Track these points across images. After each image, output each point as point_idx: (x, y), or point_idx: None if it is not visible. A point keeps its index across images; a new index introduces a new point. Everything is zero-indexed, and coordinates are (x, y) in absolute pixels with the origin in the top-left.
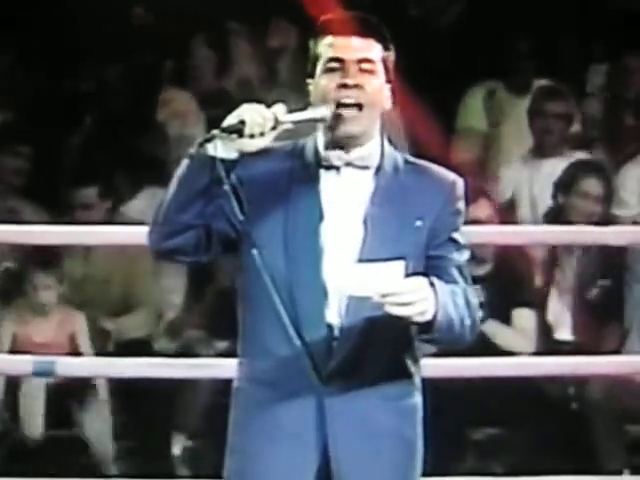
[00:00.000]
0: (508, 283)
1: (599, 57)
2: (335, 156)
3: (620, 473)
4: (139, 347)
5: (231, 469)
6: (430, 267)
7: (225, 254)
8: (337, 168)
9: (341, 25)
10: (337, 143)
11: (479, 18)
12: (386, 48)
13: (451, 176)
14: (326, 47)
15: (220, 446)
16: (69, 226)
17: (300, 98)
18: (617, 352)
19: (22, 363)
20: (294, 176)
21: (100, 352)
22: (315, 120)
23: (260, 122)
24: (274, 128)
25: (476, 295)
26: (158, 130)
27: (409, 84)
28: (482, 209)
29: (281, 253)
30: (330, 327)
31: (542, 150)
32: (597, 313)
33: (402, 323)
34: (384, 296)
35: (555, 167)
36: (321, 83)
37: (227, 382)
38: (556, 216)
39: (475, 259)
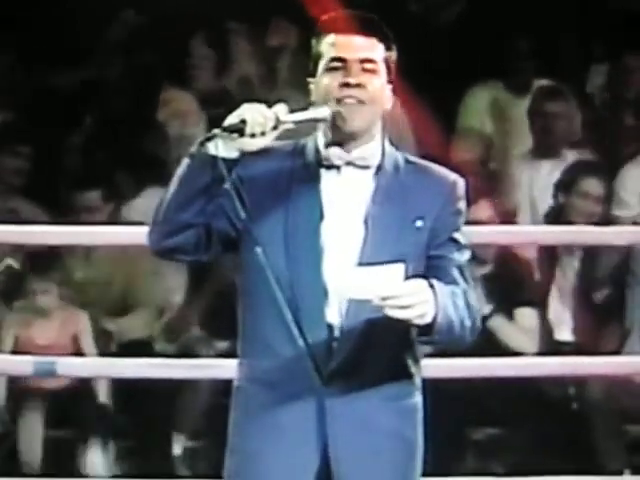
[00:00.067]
0: (509, 283)
1: (599, 57)
2: (336, 155)
3: (620, 473)
4: (140, 348)
5: (231, 469)
6: (431, 267)
7: (225, 253)
8: (338, 167)
9: (343, 24)
10: (338, 141)
11: (479, 18)
12: (388, 48)
13: (452, 176)
14: (328, 46)
15: (220, 446)
16: (70, 226)
17: (301, 97)
18: (617, 352)
19: (23, 363)
20: (295, 175)
21: (102, 353)
22: (316, 120)
23: (261, 122)
24: (275, 128)
25: (476, 296)
26: (158, 130)
27: (409, 84)
28: (483, 210)
29: (282, 253)
30: (330, 327)
31: (542, 150)
32: (597, 314)
33: (402, 325)
34: (384, 299)
35: (555, 167)
36: (323, 82)
37: (227, 382)
38: (556, 216)
39: (476, 259)
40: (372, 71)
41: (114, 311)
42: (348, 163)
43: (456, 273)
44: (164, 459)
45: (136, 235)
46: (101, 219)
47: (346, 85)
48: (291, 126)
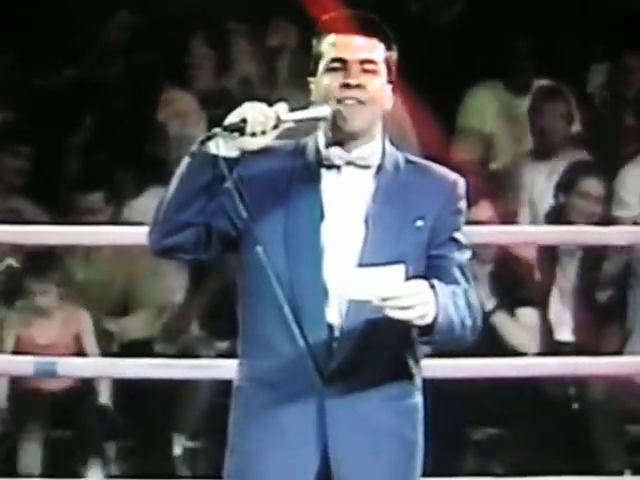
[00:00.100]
0: (510, 283)
1: (599, 57)
2: (336, 155)
3: (621, 473)
4: (141, 348)
5: (231, 469)
6: (431, 267)
7: (225, 253)
8: (338, 167)
9: (344, 24)
10: (339, 141)
11: (479, 18)
12: (389, 48)
13: (452, 175)
14: (329, 46)
15: (220, 446)
16: (70, 226)
17: (301, 97)
18: (618, 353)
19: (23, 364)
20: (295, 175)
21: (103, 353)
22: (317, 119)
23: (262, 120)
24: (276, 127)
25: (478, 294)
26: (159, 130)
27: (409, 84)
28: (483, 210)
29: (282, 252)
30: (331, 327)
31: (542, 150)
32: (598, 314)
33: (403, 326)
34: (384, 300)
35: (555, 167)
36: (323, 82)
37: (227, 383)
38: (557, 216)
39: (477, 259)
40: (372, 72)
41: (115, 311)
42: (348, 163)
43: (457, 272)
44: (164, 459)
45: (136, 235)
46: (103, 219)
47: (346, 86)
48: (292, 125)
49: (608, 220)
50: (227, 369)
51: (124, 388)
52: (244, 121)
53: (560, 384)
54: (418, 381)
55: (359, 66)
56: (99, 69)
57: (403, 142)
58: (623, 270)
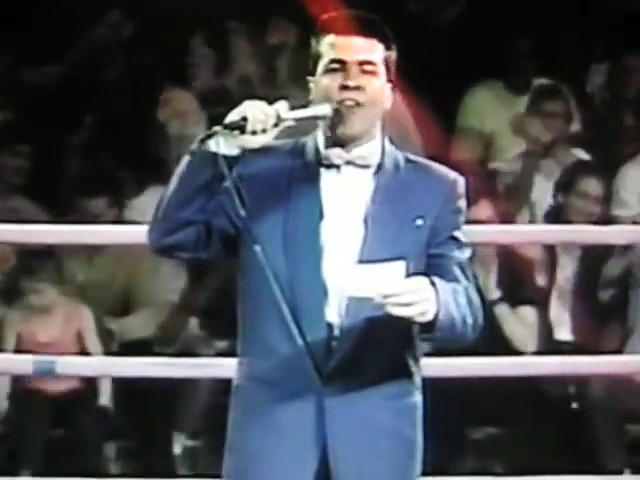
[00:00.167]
0: (509, 282)
1: (599, 57)
2: (335, 155)
3: (621, 473)
4: (141, 347)
5: (230, 468)
6: (431, 265)
7: (225, 251)
8: (337, 167)
9: (343, 24)
10: (338, 142)
11: (479, 18)
12: (388, 48)
13: (452, 174)
14: (328, 47)
15: (220, 445)
16: (70, 226)
17: (301, 96)
18: (618, 352)
19: (22, 363)
20: (294, 174)
21: (104, 352)
22: (317, 118)
23: (262, 119)
24: (276, 125)
25: (480, 292)
26: (159, 130)
27: (409, 84)
28: (483, 210)
29: (281, 252)
30: (330, 326)
31: (541, 150)
32: (598, 313)
33: (403, 323)
34: (385, 297)
35: (554, 167)
36: (322, 83)
37: (227, 381)
38: (556, 216)
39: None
40: (371, 72)
41: (115, 311)
42: (348, 162)
43: (457, 271)
44: (164, 458)
45: (137, 234)
46: (105, 221)
47: (345, 87)
48: (292, 123)
49: (607, 219)
50: (227, 368)
51: (124, 387)
52: (245, 119)
53: (560, 383)
54: (417, 380)
55: (358, 67)
56: (99, 69)
57: (406, 142)
58: (623, 270)
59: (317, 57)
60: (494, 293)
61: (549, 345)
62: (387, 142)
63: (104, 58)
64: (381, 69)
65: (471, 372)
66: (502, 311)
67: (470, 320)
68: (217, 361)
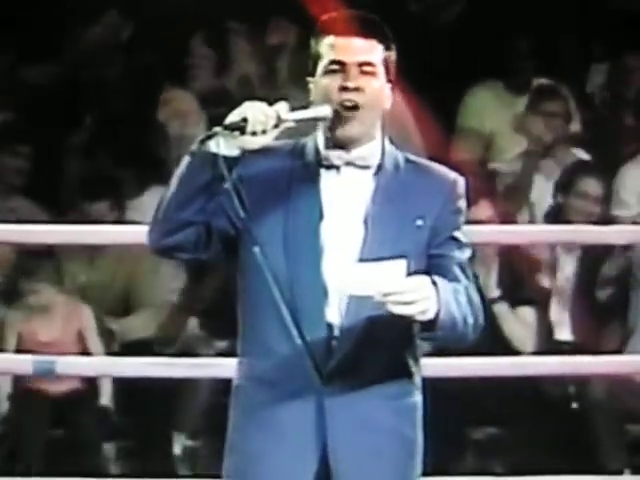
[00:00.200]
0: (509, 282)
1: (599, 57)
2: (335, 155)
3: (621, 473)
4: (142, 348)
5: (230, 469)
6: (432, 266)
7: (225, 252)
8: (337, 167)
9: (342, 25)
10: (337, 144)
11: (479, 18)
12: (388, 48)
13: (452, 175)
14: (327, 48)
15: (220, 445)
16: (70, 226)
17: (301, 96)
18: (618, 352)
19: (22, 363)
20: (294, 175)
21: (104, 352)
22: (317, 119)
23: (262, 120)
24: (276, 126)
25: (481, 291)
26: (159, 130)
27: (409, 84)
28: (483, 210)
29: (281, 252)
30: (330, 326)
31: (540, 150)
32: (598, 313)
33: (404, 322)
34: (386, 295)
35: (554, 167)
36: (322, 84)
37: (227, 381)
38: (556, 216)
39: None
40: (371, 74)
41: (116, 311)
42: (348, 163)
43: (457, 271)
44: (164, 458)
45: (137, 234)
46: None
47: (344, 89)
48: (292, 124)
49: (607, 219)
50: (227, 368)
51: (124, 387)
52: (245, 120)
53: (560, 383)
54: (418, 380)
55: (357, 68)
56: (99, 69)
57: (407, 142)
58: (624, 270)
59: (317, 58)
60: (494, 292)
61: (549, 345)
62: (387, 142)
63: (104, 58)
64: (380, 70)
65: (471, 372)
66: (501, 310)
67: (471, 320)
68: (217, 361)
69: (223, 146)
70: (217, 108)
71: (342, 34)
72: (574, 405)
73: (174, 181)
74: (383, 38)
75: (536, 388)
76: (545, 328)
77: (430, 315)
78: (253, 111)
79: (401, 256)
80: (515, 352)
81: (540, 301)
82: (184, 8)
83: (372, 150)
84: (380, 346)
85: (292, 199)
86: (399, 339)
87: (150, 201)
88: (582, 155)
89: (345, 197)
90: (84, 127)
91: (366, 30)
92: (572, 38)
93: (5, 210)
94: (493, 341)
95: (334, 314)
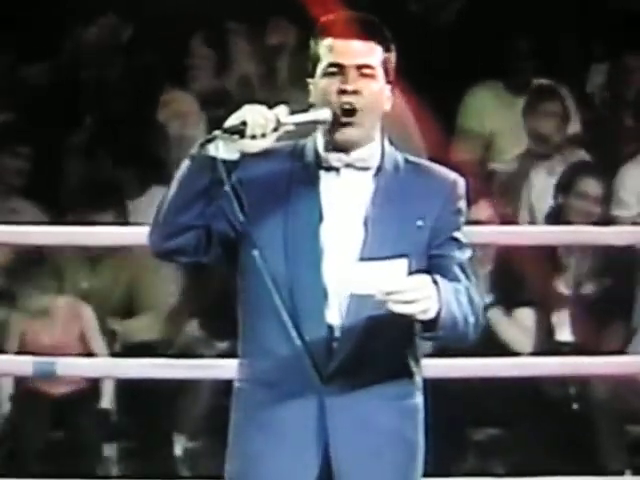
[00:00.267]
0: (509, 283)
1: (599, 57)
2: (335, 157)
3: (622, 474)
4: (142, 349)
5: (232, 470)
6: (432, 266)
7: (225, 255)
8: (337, 169)
9: (342, 27)
10: (337, 147)
11: (479, 18)
12: (387, 49)
13: (452, 175)
14: (326, 50)
15: (221, 447)
16: (70, 227)
17: (301, 96)
18: (620, 352)
19: (22, 364)
20: (294, 177)
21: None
22: (317, 122)
23: (262, 123)
24: (276, 129)
25: (479, 293)
26: (159, 130)
27: (409, 84)
28: (483, 210)
29: (281, 254)
30: (331, 328)
31: (539, 150)
32: (599, 314)
33: (405, 321)
34: (387, 294)
35: (554, 167)
36: (321, 86)
37: (228, 383)
38: (556, 217)
39: (476, 258)
40: (370, 76)
41: (119, 313)
42: (347, 165)
43: (458, 271)
44: (165, 460)
45: (137, 235)
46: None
47: (343, 92)
48: (292, 128)
49: (607, 220)
50: (228, 369)
51: (125, 388)
52: (244, 124)
53: (560, 384)
54: (418, 380)
55: (356, 71)
56: (99, 69)
57: (407, 143)
58: (625, 269)
59: (316, 59)
60: (486, 298)
61: (550, 346)
62: (387, 143)
63: (104, 58)
64: (379, 72)
65: (472, 373)
66: (495, 316)
67: (472, 319)
68: (218, 362)
69: (222, 150)
70: (217, 108)
71: (341, 36)
72: (575, 406)
73: (174, 184)
74: (382, 39)
75: (537, 389)
76: (546, 329)
77: (431, 314)
78: (252, 114)
79: (402, 256)
80: (516, 353)
81: (540, 302)
82: (184, 8)
83: (372, 151)
84: (381, 347)
85: (292, 201)
86: (400, 340)
87: (150, 202)
88: (582, 155)
89: (345, 199)
90: (84, 127)
91: (365, 32)
92: (572, 38)
93: (5, 210)
94: (494, 341)
95: (334, 315)
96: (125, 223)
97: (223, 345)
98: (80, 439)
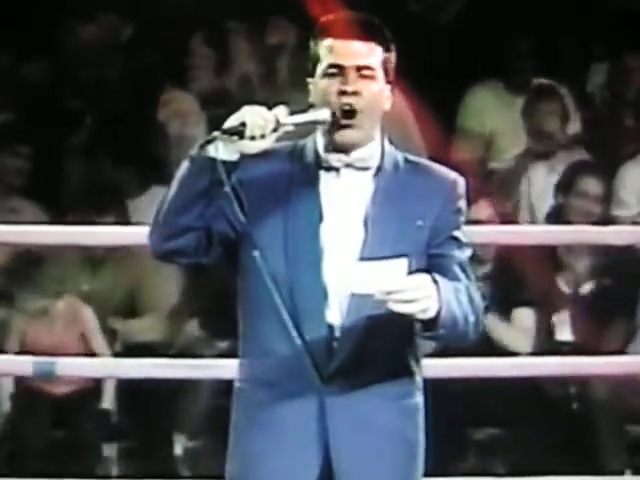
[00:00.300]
0: (508, 283)
1: (599, 57)
2: (335, 158)
3: (621, 473)
4: (142, 349)
5: (233, 470)
6: (432, 265)
7: (226, 255)
8: (337, 169)
9: (341, 27)
10: (337, 149)
11: (479, 18)
12: (387, 49)
13: (452, 175)
14: (326, 51)
15: (221, 446)
16: (70, 226)
17: (301, 96)
18: (621, 352)
19: (22, 364)
20: (294, 177)
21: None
22: (316, 122)
23: (261, 124)
24: (275, 130)
25: (479, 292)
26: (159, 130)
27: (409, 84)
28: (482, 209)
29: (281, 255)
30: (331, 328)
31: (539, 149)
32: (598, 314)
33: (405, 321)
34: (387, 293)
35: (553, 166)
36: (321, 87)
37: (228, 382)
38: (556, 216)
39: (476, 258)
40: (369, 77)
41: (121, 313)
42: (347, 165)
43: (457, 270)
44: (165, 459)
45: (137, 235)
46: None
47: (343, 93)
48: (291, 128)
49: (607, 220)
50: (228, 369)
51: (125, 388)
52: (243, 125)
53: (561, 384)
54: (419, 380)
55: (356, 73)
56: (99, 69)
57: (407, 142)
58: (625, 269)
59: (316, 60)
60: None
61: (550, 346)
62: (386, 143)
63: (104, 58)
64: (379, 73)
65: (472, 373)
66: (491, 321)
67: (472, 318)
68: (218, 362)
69: (222, 151)
70: (217, 108)
71: (341, 37)
72: (575, 406)
73: (174, 186)
74: (382, 40)
75: (537, 389)
76: (546, 329)
77: (431, 313)
78: (252, 115)
79: (401, 255)
80: (516, 353)
81: (540, 302)
82: (184, 8)
83: (372, 151)
84: (381, 346)
85: (292, 201)
86: (400, 339)
87: (150, 201)
88: (582, 155)
89: (345, 199)
90: (84, 127)
91: (365, 32)
92: (572, 38)
93: (5, 210)
94: (494, 342)
95: (335, 315)
96: (126, 223)
97: (223, 345)
98: (80, 439)
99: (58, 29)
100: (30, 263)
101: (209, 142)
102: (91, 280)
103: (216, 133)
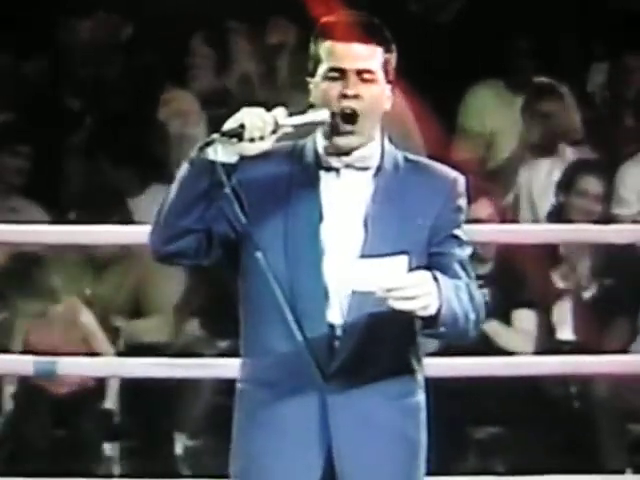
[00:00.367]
0: (509, 283)
1: (599, 56)
2: (335, 158)
3: (622, 472)
4: (144, 348)
5: (236, 470)
6: (432, 263)
7: (226, 256)
8: (337, 169)
9: (342, 29)
10: (337, 152)
11: (479, 17)
12: (388, 50)
13: (452, 173)
14: (327, 53)
15: (222, 445)
16: (70, 226)
17: (301, 95)
18: (621, 351)
19: (23, 363)
20: (294, 178)
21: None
22: (315, 123)
23: (260, 126)
24: (274, 132)
25: (479, 290)
26: (159, 129)
27: (409, 84)
28: (483, 208)
29: (282, 255)
30: (332, 327)
31: (539, 148)
32: (599, 312)
33: (406, 319)
34: (388, 290)
35: (554, 166)
36: (321, 89)
37: (229, 382)
38: (557, 215)
39: (476, 258)
40: (370, 80)
41: (125, 313)
42: (347, 165)
43: (458, 268)
44: (166, 458)
45: (137, 235)
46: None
47: (344, 96)
48: (290, 130)
49: (608, 218)
50: (229, 368)
51: (126, 387)
52: (242, 127)
53: (561, 383)
54: (420, 379)
55: (357, 76)
56: (99, 69)
57: (407, 141)
58: (626, 268)
59: (316, 61)
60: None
61: (551, 345)
62: (387, 142)
63: (104, 58)
64: (380, 75)
65: (473, 372)
66: (493, 327)
67: (472, 316)
68: (220, 361)
69: (221, 153)
70: (217, 107)
71: (341, 39)
72: (576, 405)
73: (174, 188)
74: (383, 41)
75: (538, 388)
76: (546, 328)
77: (432, 311)
78: (250, 117)
79: (402, 253)
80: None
81: (541, 301)
82: (184, 8)
83: (372, 151)
84: (382, 345)
85: (292, 202)
86: (401, 338)
87: (151, 200)
88: (583, 154)
89: (345, 199)
90: (84, 127)
91: (366, 34)
92: (572, 38)
93: (5, 210)
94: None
95: (336, 315)
96: (127, 222)
97: (224, 344)
98: (82, 438)
99: (58, 29)
100: (33, 263)
101: (208, 144)
102: (95, 281)
103: (215, 135)
